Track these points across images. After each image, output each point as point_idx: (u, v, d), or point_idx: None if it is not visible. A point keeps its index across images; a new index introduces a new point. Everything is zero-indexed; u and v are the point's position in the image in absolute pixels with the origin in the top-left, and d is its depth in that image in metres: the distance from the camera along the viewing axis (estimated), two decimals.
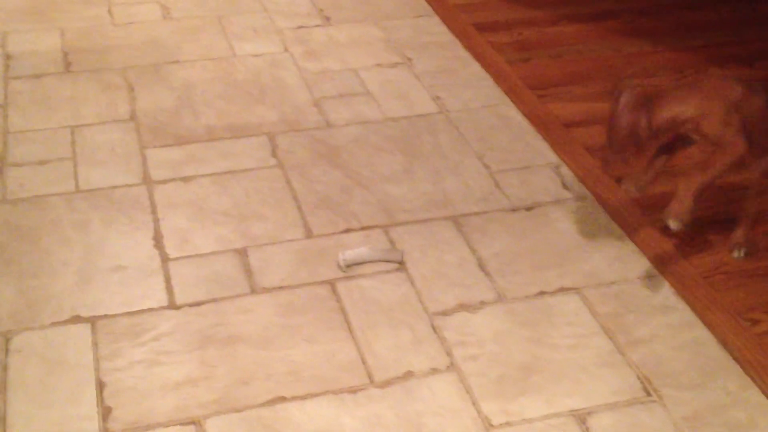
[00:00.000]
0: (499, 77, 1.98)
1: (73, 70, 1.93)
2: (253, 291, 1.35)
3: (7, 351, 1.23)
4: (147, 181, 1.59)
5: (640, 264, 1.44)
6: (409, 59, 2.03)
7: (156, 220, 1.49)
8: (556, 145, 1.75)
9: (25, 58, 1.96)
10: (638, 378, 1.23)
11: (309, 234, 1.48)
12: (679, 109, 1.21)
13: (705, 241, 1.51)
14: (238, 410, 1.16)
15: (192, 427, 1.13)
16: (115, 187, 1.57)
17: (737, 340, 1.30)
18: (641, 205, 1.59)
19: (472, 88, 1.93)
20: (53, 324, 1.28)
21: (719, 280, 1.42)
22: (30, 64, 1.94)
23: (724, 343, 1.29)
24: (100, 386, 1.18)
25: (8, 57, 1.97)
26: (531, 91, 1.94)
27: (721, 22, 2.28)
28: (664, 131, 1.20)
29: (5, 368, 1.20)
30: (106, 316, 1.30)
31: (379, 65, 2.00)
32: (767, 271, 1.44)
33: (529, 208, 1.56)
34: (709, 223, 1.55)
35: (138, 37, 2.07)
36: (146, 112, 1.79)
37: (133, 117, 1.78)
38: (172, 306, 1.32)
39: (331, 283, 1.37)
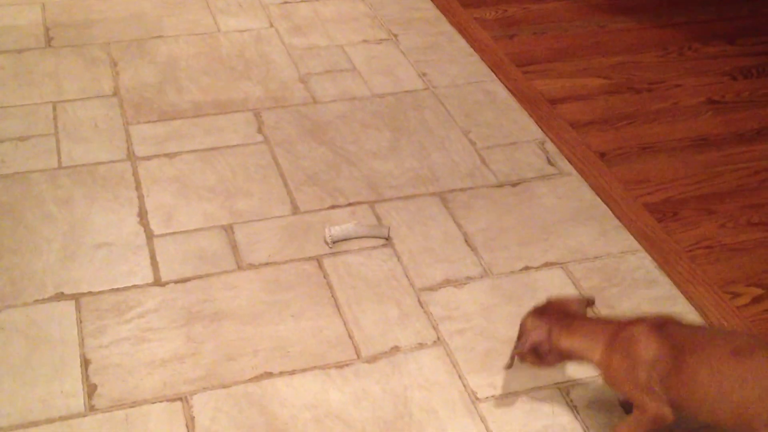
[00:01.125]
0: (484, 53, 1.93)
1: (54, 45, 1.85)
2: (240, 267, 1.31)
3: None
4: (131, 157, 1.54)
5: (624, 239, 1.42)
6: (395, 35, 1.97)
7: (140, 197, 1.44)
8: (541, 121, 1.71)
9: (6, 33, 1.88)
10: None
11: (295, 210, 1.44)
12: (581, 346, 1.02)
13: (687, 216, 1.49)
14: (225, 386, 1.13)
15: (178, 404, 1.10)
16: (98, 163, 1.51)
17: (718, 312, 1.29)
18: (625, 180, 1.56)
19: (458, 64, 1.88)
20: (37, 301, 1.23)
21: (701, 255, 1.40)
22: (11, 39, 1.85)
23: (705, 317, 1.28)
24: (85, 363, 1.14)
25: None
26: (516, 68, 1.89)
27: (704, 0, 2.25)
28: (566, 357, 1.05)
29: None
30: (90, 293, 1.25)
31: (365, 41, 1.94)
32: (747, 246, 1.43)
33: (514, 184, 1.53)
34: (691, 199, 1.53)
35: (121, 11, 1.99)
36: (129, 88, 1.72)
37: (116, 92, 1.71)
38: (158, 283, 1.28)
39: (318, 259, 1.34)
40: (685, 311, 1.28)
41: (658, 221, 1.47)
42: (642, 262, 1.37)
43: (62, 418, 1.07)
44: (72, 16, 1.96)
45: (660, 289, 1.32)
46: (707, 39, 2.04)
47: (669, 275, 1.35)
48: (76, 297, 1.24)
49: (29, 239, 1.34)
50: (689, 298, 1.31)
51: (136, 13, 1.98)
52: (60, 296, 1.24)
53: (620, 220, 1.46)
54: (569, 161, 1.60)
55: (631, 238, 1.42)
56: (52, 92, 1.70)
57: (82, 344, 1.17)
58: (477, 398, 1.14)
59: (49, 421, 1.07)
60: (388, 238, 1.38)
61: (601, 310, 1.28)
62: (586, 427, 1.11)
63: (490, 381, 1.16)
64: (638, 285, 1.33)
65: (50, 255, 1.31)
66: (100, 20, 1.94)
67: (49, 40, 1.86)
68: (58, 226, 1.37)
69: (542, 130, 1.69)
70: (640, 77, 1.89)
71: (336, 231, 1.36)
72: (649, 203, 1.51)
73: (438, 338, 1.22)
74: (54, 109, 1.65)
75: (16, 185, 1.45)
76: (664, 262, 1.37)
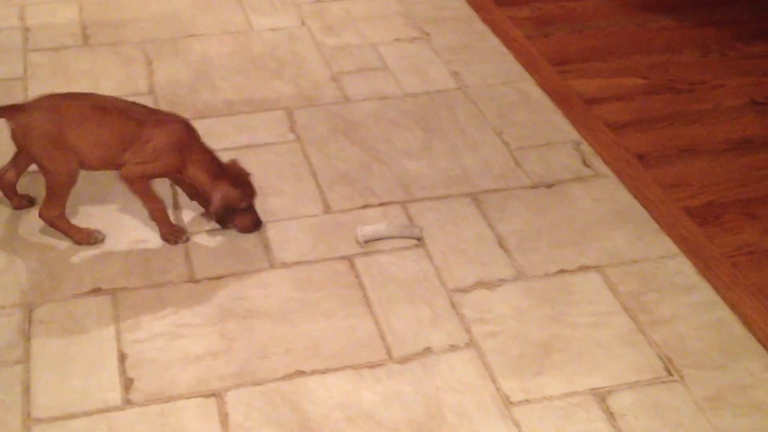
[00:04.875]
0: (518, 52, 1.93)
1: (91, 43, 1.91)
2: (272, 266, 1.34)
3: (30, 322, 1.23)
4: None
5: (662, 243, 1.41)
6: (428, 34, 1.99)
7: (174, 194, 1.48)
8: (576, 121, 1.71)
9: (44, 31, 1.94)
10: (659, 357, 1.21)
11: (327, 209, 1.46)
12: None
13: (728, 221, 1.48)
14: (258, 383, 1.16)
15: (212, 399, 1.13)
16: None
17: (760, 320, 1.27)
18: (664, 183, 1.55)
19: (490, 63, 1.88)
20: (75, 296, 1.28)
21: (742, 261, 1.39)
22: (48, 37, 1.92)
23: (747, 324, 1.26)
24: (122, 357, 1.18)
25: (27, 30, 1.95)
26: (551, 67, 1.89)
27: None
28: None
29: (28, 339, 1.21)
30: (126, 288, 1.29)
31: (397, 40, 1.96)
32: None
33: (548, 186, 1.53)
34: (733, 203, 1.51)
35: (155, 10, 2.04)
36: (164, 86, 1.77)
37: (151, 90, 1.76)
38: (192, 279, 1.31)
39: (350, 259, 1.36)
40: (725, 318, 1.27)
41: (698, 225, 1.46)
42: (681, 267, 1.36)
43: (100, 411, 1.11)
44: (108, 14, 2.01)
45: (700, 295, 1.31)
46: (750, 38, 2.01)
47: (709, 281, 1.34)
48: (113, 292, 1.28)
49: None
50: (730, 305, 1.29)
51: (171, 12, 2.03)
52: (97, 291, 1.29)
53: (659, 224, 1.45)
54: (606, 163, 1.59)
55: (671, 242, 1.41)
56: (88, 90, 1.75)
57: (119, 339, 1.21)
58: (510, 402, 1.14)
59: (87, 414, 1.11)
60: (420, 239, 1.40)
61: (639, 315, 1.28)
62: None
63: (523, 385, 1.16)
64: (677, 291, 1.32)
65: (88, 250, 1.36)
66: (135, 19, 2.00)
67: (85, 39, 1.92)
68: (96, 222, 1.41)
69: (578, 130, 1.68)
70: (680, 77, 1.87)
71: (368, 231, 1.38)
72: (689, 207, 1.50)
73: (470, 340, 1.23)
74: None
75: None
76: (705, 267, 1.36)
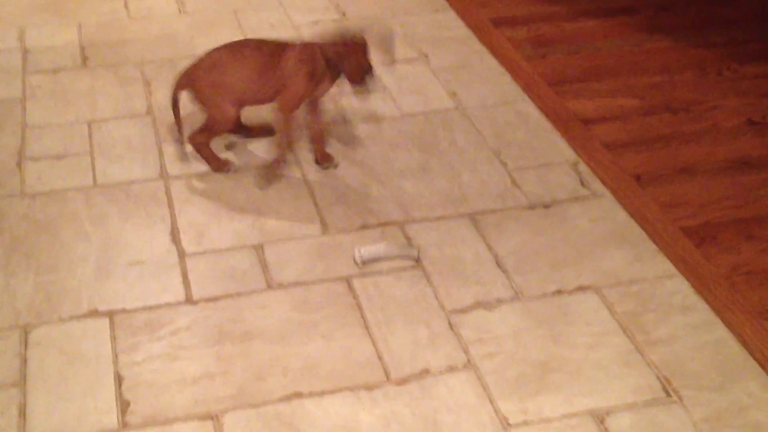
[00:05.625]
0: (516, 73, 1.97)
1: (90, 65, 1.95)
2: (270, 287, 1.36)
3: (26, 344, 1.25)
4: (164, 175, 1.61)
5: (660, 263, 1.44)
6: (426, 55, 2.03)
7: (173, 215, 1.51)
8: (574, 142, 1.74)
9: (43, 53, 1.98)
10: (657, 378, 1.23)
11: (325, 230, 1.49)
12: None
13: (726, 240, 1.50)
14: (255, 405, 1.17)
15: (210, 422, 1.15)
16: (132, 181, 1.59)
17: (758, 340, 1.29)
18: (661, 203, 1.58)
19: (488, 84, 1.93)
20: (72, 317, 1.30)
21: (740, 281, 1.41)
22: (48, 59, 1.96)
23: (745, 344, 1.28)
24: (119, 380, 1.20)
25: (26, 51, 1.99)
26: (549, 87, 1.93)
27: (743, 19, 2.26)
28: None
29: (25, 361, 1.22)
30: (123, 310, 1.31)
31: (395, 60, 2.00)
32: None
33: (546, 206, 1.56)
34: (731, 222, 1.54)
35: (154, 31, 2.09)
36: (163, 107, 1.81)
37: (149, 111, 1.79)
38: (190, 301, 1.33)
39: (348, 280, 1.38)
40: (723, 338, 1.29)
41: (696, 246, 1.48)
42: (679, 288, 1.38)
43: None
44: (107, 36, 2.06)
45: (697, 316, 1.33)
46: (746, 59, 2.06)
47: (707, 301, 1.36)
48: (110, 314, 1.30)
49: (65, 256, 1.41)
50: (728, 325, 1.32)
51: (169, 34, 2.08)
52: (94, 313, 1.31)
53: (656, 244, 1.47)
54: (603, 183, 1.62)
55: (668, 262, 1.44)
56: (87, 111, 1.79)
57: (115, 361, 1.23)
58: (509, 423, 1.16)
59: None
60: (417, 259, 1.42)
61: (637, 336, 1.30)
62: None
63: (521, 406, 1.18)
64: (675, 311, 1.34)
65: (85, 272, 1.38)
66: (135, 40, 2.04)
67: (84, 60, 1.96)
68: (93, 243, 1.44)
69: (575, 151, 1.72)
70: (677, 98, 1.91)
71: (366, 252, 1.41)
72: (686, 227, 1.53)
73: (468, 361, 1.24)
74: (89, 127, 1.74)
75: (53, 203, 1.53)
76: (702, 287, 1.39)
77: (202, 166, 1.64)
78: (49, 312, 1.30)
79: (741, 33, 2.18)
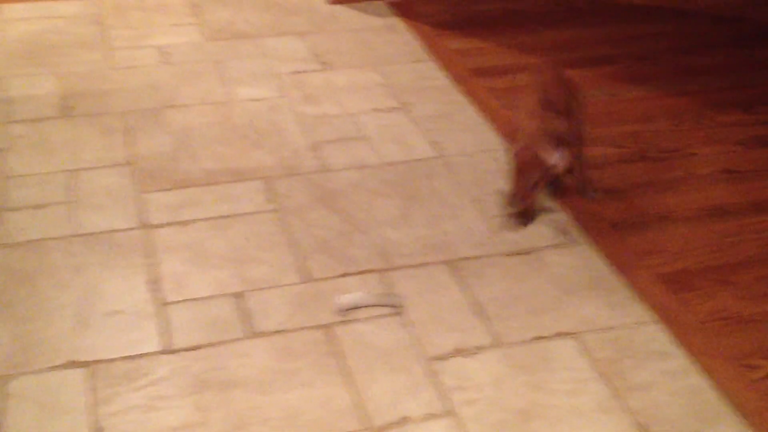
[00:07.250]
0: (495, 122, 2.09)
1: (72, 114, 2.03)
2: (250, 335, 1.42)
3: (3, 395, 1.29)
4: (144, 225, 1.68)
5: (637, 310, 1.52)
6: (407, 104, 2.15)
7: (153, 264, 1.57)
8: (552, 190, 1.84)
9: (25, 102, 2.07)
10: (636, 424, 1.29)
11: (306, 278, 1.56)
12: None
13: (702, 287, 1.59)
14: None
15: None
16: (112, 231, 1.65)
17: (735, 386, 1.36)
18: (638, 251, 1.67)
19: (469, 133, 2.04)
20: (50, 368, 1.34)
21: (716, 327, 1.49)
22: (29, 109, 2.05)
23: (722, 390, 1.35)
24: (98, 431, 1.24)
25: (8, 101, 2.08)
26: None
27: (717, 67, 2.42)
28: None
29: (2, 413, 1.26)
30: (102, 360, 1.36)
31: (376, 110, 2.12)
32: (765, 317, 1.52)
33: (525, 253, 1.65)
34: (707, 269, 1.63)
35: (136, 81, 2.19)
36: (144, 156, 1.89)
37: (130, 161, 1.88)
38: (169, 350, 1.39)
39: (328, 328, 1.44)
40: (700, 384, 1.37)
41: (673, 292, 1.57)
42: (656, 334, 1.46)
43: None
44: (89, 85, 2.16)
45: (675, 362, 1.41)
46: (722, 107, 2.20)
47: (684, 347, 1.44)
48: (88, 364, 1.35)
49: (43, 306, 1.46)
50: (705, 371, 1.39)
51: (152, 83, 2.18)
52: (72, 363, 1.35)
53: (634, 291, 1.56)
54: (581, 230, 1.72)
55: (645, 309, 1.52)
56: (68, 161, 1.87)
57: (94, 412, 1.27)
58: None
59: None
60: (398, 307, 1.49)
61: (615, 381, 1.36)
62: None
63: None
64: (652, 357, 1.41)
65: (63, 322, 1.43)
66: (117, 90, 2.14)
67: (66, 110, 2.05)
68: (72, 293, 1.49)
69: (554, 199, 1.81)
70: (653, 146, 2.03)
71: (346, 300, 1.48)
72: (663, 274, 1.62)
73: (449, 409, 1.30)
74: (70, 177, 1.81)
75: (32, 253, 1.59)
76: (680, 333, 1.47)
77: (183, 215, 1.71)
78: (27, 363, 1.35)
79: (716, 81, 2.33)
